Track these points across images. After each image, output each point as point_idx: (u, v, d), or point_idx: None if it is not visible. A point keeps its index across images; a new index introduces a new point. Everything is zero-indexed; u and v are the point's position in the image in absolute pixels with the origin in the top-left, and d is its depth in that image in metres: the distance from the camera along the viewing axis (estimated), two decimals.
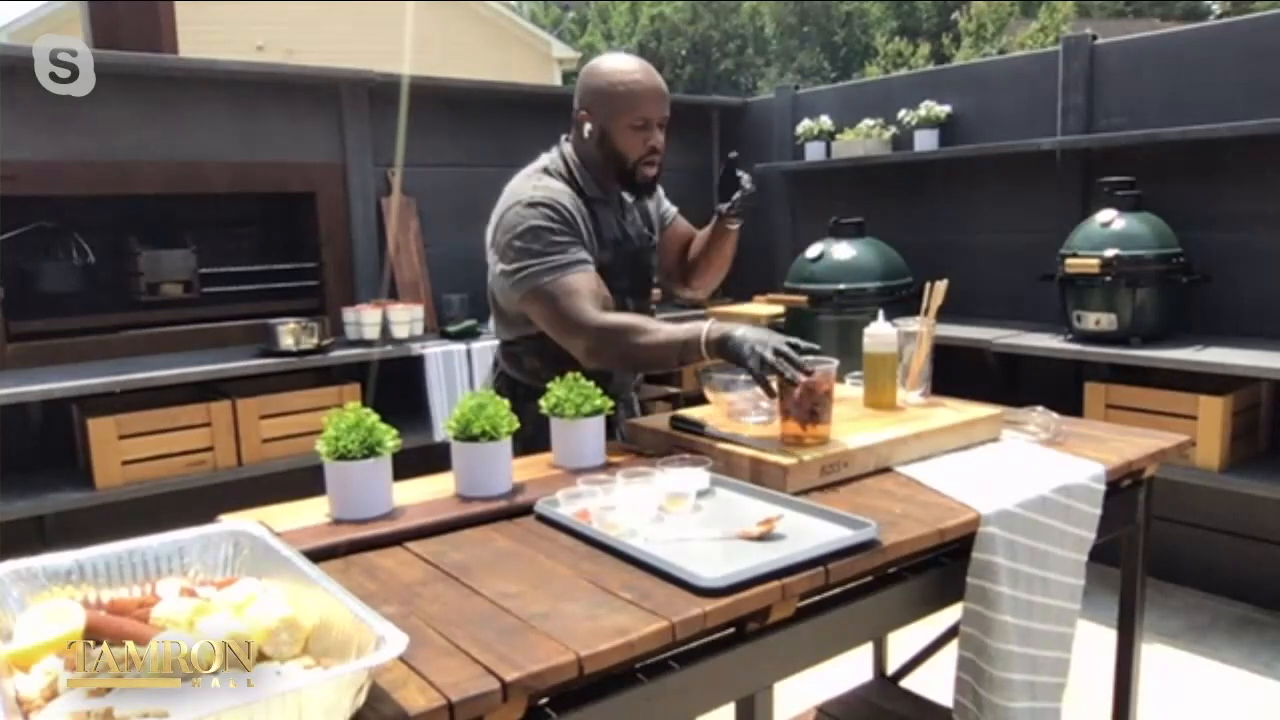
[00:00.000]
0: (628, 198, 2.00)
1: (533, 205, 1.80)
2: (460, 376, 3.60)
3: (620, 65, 1.88)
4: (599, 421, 1.68)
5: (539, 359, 1.92)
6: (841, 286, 3.75)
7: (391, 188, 3.92)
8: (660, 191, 2.14)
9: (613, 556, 1.27)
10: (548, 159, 1.95)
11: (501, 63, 12.58)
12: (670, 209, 2.19)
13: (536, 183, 1.86)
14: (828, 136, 4.34)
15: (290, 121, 3.71)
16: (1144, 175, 3.27)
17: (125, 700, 0.81)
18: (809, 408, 1.58)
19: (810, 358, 1.57)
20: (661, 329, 1.74)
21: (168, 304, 3.59)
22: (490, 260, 1.91)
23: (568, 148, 1.94)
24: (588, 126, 1.89)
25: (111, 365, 3.16)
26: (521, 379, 1.96)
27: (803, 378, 1.53)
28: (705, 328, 1.66)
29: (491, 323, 2.04)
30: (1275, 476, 2.87)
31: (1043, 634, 1.51)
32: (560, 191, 1.84)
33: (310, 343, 3.35)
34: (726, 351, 1.63)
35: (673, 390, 4.30)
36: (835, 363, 1.62)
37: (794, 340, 1.60)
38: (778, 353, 1.56)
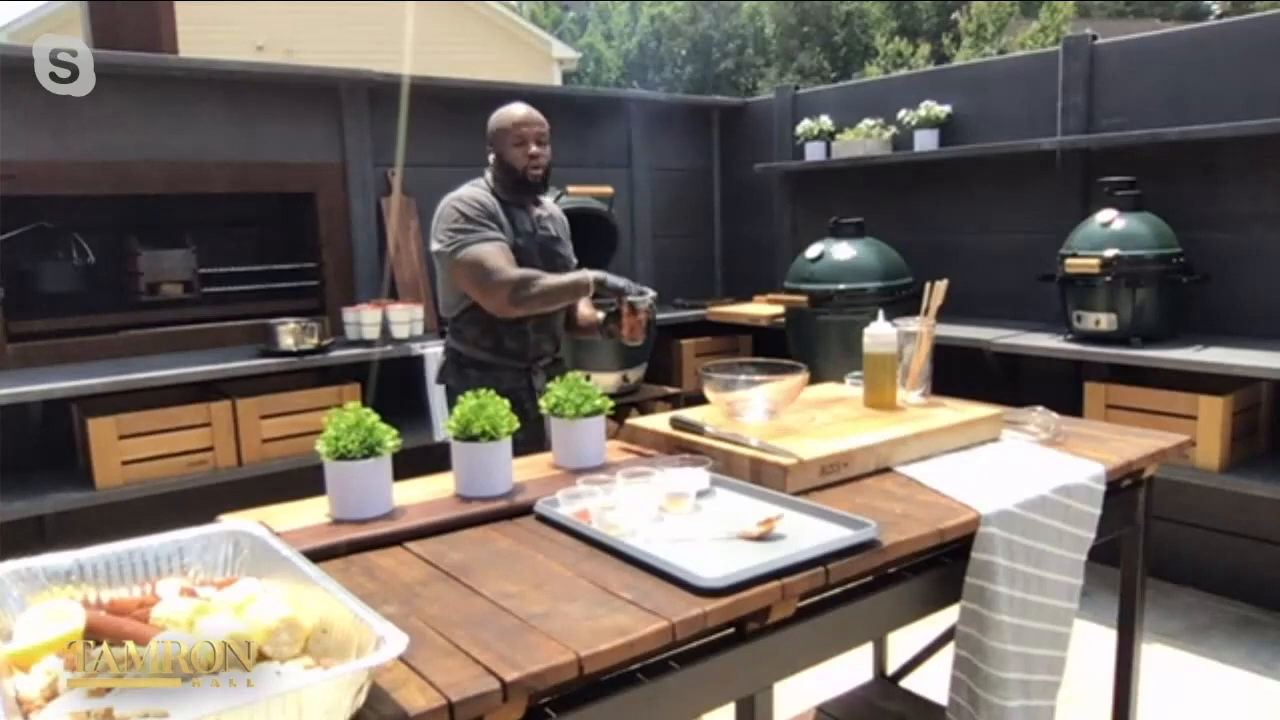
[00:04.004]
0: (546, 207, 2.63)
1: (459, 201, 2.44)
2: None
3: (505, 108, 2.55)
4: (599, 421, 1.68)
5: (475, 327, 2.48)
6: (841, 286, 3.75)
7: (391, 188, 3.92)
8: (568, 233, 2.70)
9: (613, 556, 1.27)
10: (477, 180, 2.56)
11: (501, 63, 12.57)
12: (571, 257, 2.68)
13: (463, 190, 2.49)
14: (828, 136, 4.34)
15: (290, 121, 3.71)
16: (1144, 175, 3.27)
17: (125, 700, 0.81)
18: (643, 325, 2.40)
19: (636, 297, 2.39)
20: (560, 275, 2.43)
21: (168, 304, 3.59)
22: (433, 250, 2.46)
23: (488, 171, 2.57)
24: (491, 155, 2.55)
25: (111, 365, 3.16)
26: (462, 349, 2.51)
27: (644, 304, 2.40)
28: (589, 272, 2.40)
29: (441, 307, 2.60)
30: (1275, 476, 2.87)
31: (1039, 633, 1.51)
32: (479, 193, 2.47)
33: (310, 343, 3.35)
34: (606, 288, 2.37)
35: (673, 390, 4.30)
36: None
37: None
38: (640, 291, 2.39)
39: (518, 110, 2.53)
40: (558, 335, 2.62)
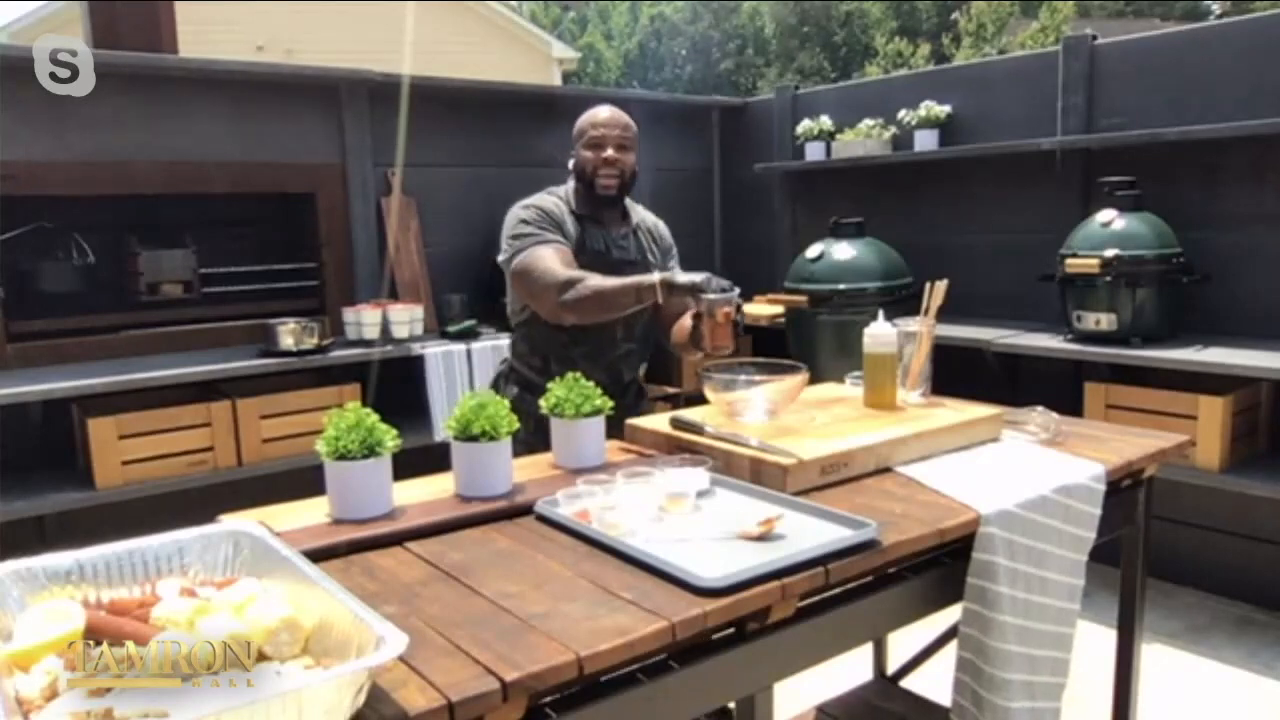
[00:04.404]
0: (633, 221, 2.36)
1: (523, 208, 2.26)
2: (460, 376, 3.60)
3: (589, 109, 2.31)
4: (599, 421, 1.68)
5: (526, 343, 2.34)
6: (841, 286, 3.75)
7: (391, 188, 3.92)
8: (673, 250, 2.47)
9: (613, 556, 1.27)
10: (555, 187, 2.35)
11: (501, 63, 12.58)
12: (672, 269, 2.38)
13: (539, 197, 2.29)
14: (828, 136, 4.34)
15: (290, 121, 3.71)
16: (1144, 175, 3.27)
17: (125, 700, 0.81)
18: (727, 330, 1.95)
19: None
20: (617, 278, 2.09)
21: (168, 304, 3.59)
22: (499, 261, 2.29)
23: (570, 179, 2.33)
24: (572, 160, 2.30)
25: (111, 365, 3.16)
26: (515, 362, 2.39)
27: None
28: (655, 273, 2.04)
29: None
30: (1275, 476, 2.87)
31: (1042, 634, 1.51)
32: (548, 201, 2.27)
33: (310, 343, 3.35)
34: (677, 288, 1.97)
35: (673, 390, 4.30)
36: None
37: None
38: (722, 287, 1.94)
39: (600, 111, 2.29)
40: (618, 369, 2.32)
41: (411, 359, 3.55)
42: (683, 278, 1.97)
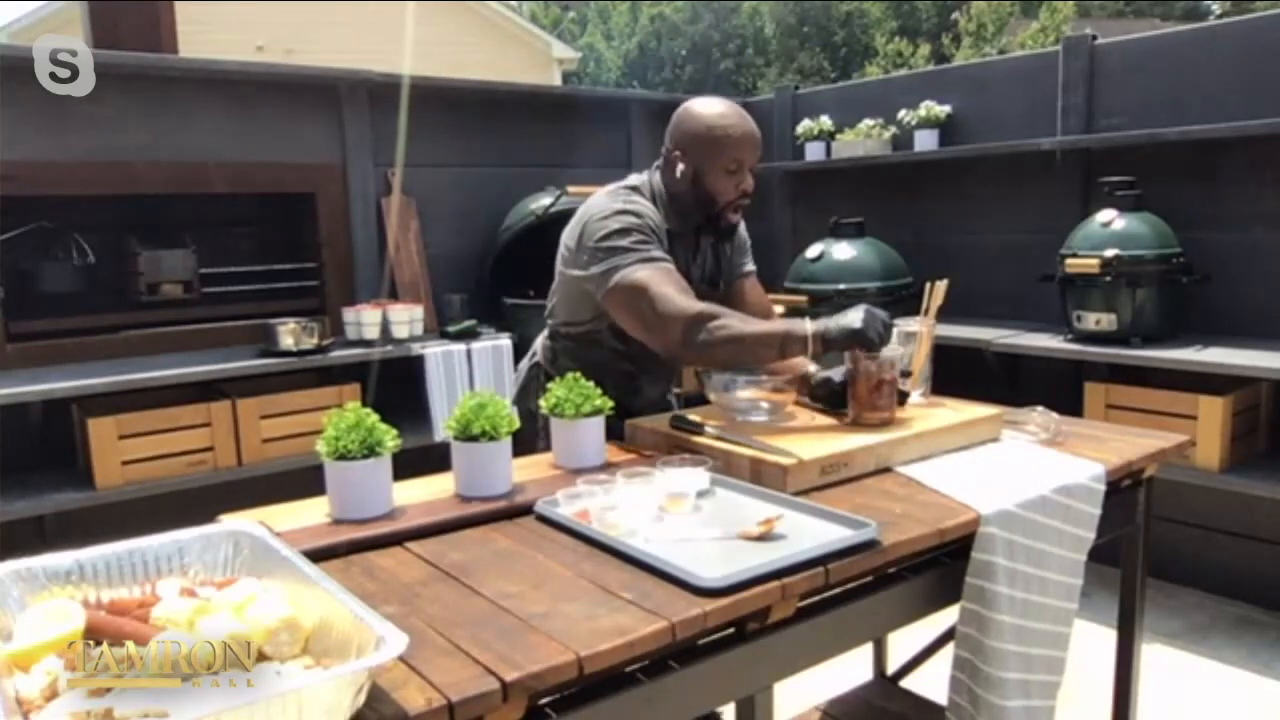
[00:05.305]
0: (704, 240, 2.05)
1: (617, 215, 1.85)
2: (460, 376, 3.60)
3: (718, 110, 1.92)
4: (599, 421, 1.68)
5: (576, 360, 1.95)
6: (841, 286, 3.75)
7: (391, 188, 3.92)
8: (747, 244, 2.17)
9: (613, 556, 1.27)
10: (638, 180, 1.99)
11: (501, 63, 12.59)
12: (745, 265, 2.15)
13: (627, 198, 1.91)
14: (828, 136, 4.34)
15: (290, 121, 3.71)
16: (1144, 175, 3.27)
17: (125, 700, 0.81)
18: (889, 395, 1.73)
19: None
20: (761, 321, 1.83)
21: (168, 304, 3.59)
22: (563, 267, 1.96)
23: (657, 177, 1.99)
24: (680, 167, 1.92)
25: (111, 365, 3.16)
26: (551, 372, 2.01)
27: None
28: (807, 321, 1.74)
29: (548, 312, 2.08)
30: (1275, 476, 2.87)
31: (1040, 633, 1.51)
32: (644, 207, 1.90)
33: (310, 343, 3.35)
34: (833, 342, 1.70)
35: (677, 390, 4.29)
36: (897, 352, 1.76)
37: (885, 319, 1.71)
38: (885, 325, 1.70)
39: (733, 120, 1.89)
40: (669, 387, 2.18)
41: (411, 359, 3.55)
42: (836, 326, 1.68)
